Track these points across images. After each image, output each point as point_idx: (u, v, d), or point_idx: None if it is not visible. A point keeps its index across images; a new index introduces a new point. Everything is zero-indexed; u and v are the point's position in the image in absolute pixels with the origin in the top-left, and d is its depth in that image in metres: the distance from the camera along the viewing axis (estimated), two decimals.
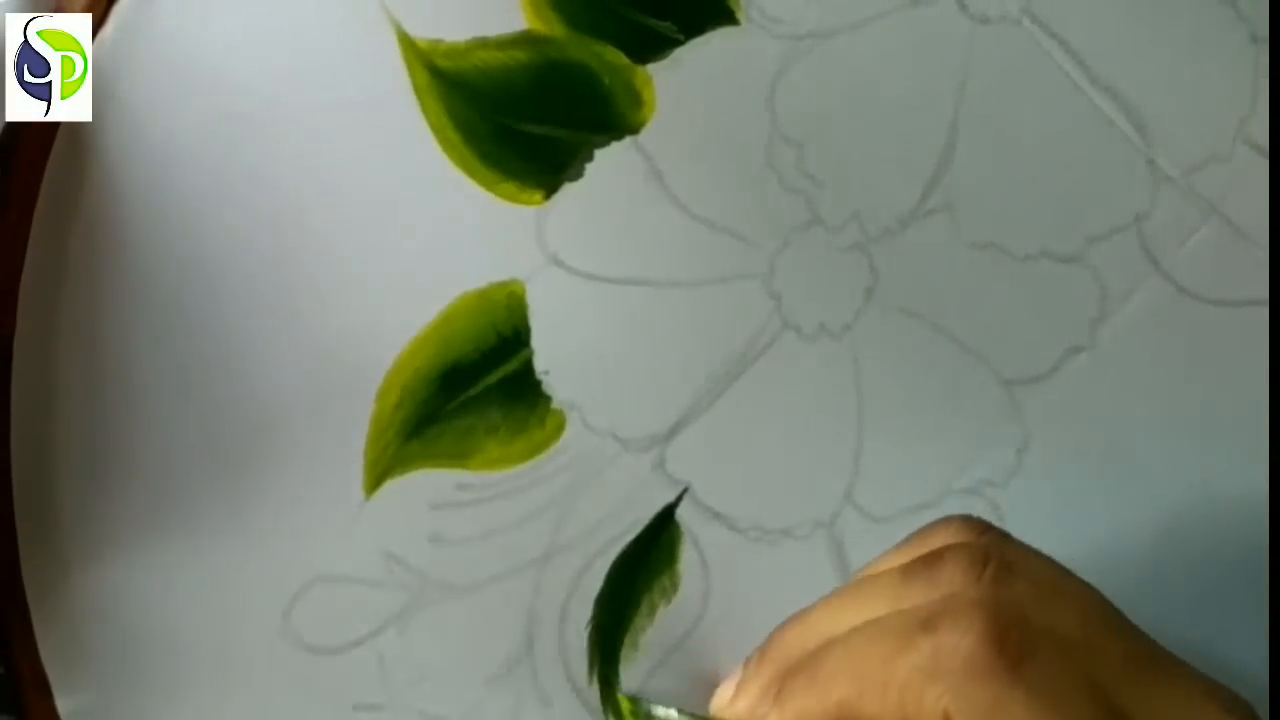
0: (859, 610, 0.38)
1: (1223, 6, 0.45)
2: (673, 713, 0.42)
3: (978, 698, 0.34)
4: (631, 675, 0.44)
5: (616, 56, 0.42)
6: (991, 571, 0.36)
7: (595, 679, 0.44)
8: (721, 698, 0.41)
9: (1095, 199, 0.45)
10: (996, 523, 0.44)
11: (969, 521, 0.39)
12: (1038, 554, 0.38)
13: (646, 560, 0.44)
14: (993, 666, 0.34)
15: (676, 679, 0.44)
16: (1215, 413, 0.46)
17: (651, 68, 0.43)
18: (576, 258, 0.43)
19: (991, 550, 0.37)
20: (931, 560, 0.37)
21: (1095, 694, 0.34)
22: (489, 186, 0.42)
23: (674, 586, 0.44)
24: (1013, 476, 0.45)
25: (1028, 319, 0.45)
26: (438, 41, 0.42)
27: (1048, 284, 0.45)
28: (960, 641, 0.34)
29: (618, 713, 0.43)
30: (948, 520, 0.40)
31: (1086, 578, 0.37)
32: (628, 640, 0.44)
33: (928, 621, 0.35)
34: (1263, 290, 0.45)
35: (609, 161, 0.43)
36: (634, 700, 0.43)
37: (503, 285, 0.43)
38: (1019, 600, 0.36)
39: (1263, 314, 0.45)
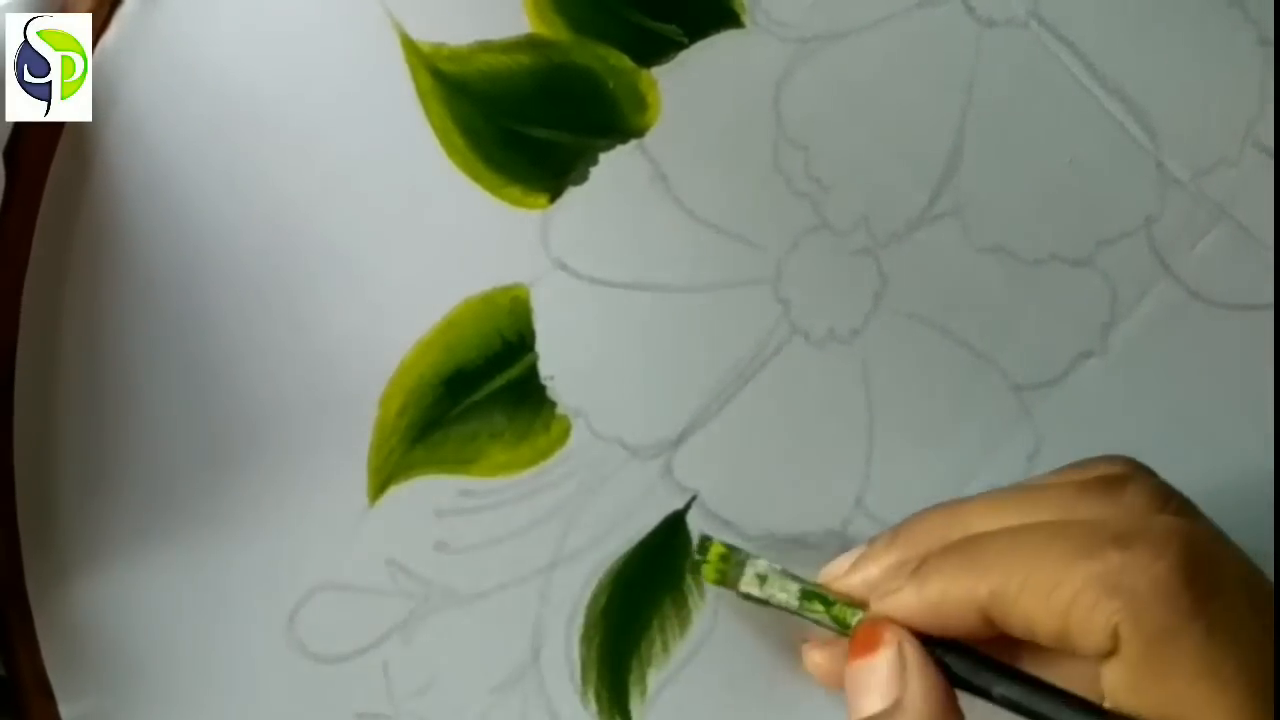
0: (1023, 512, 0.38)
1: (1231, 9, 0.45)
2: (773, 566, 0.41)
3: (1155, 622, 0.34)
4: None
5: (621, 60, 0.42)
6: (1177, 505, 0.37)
7: (604, 691, 0.43)
8: (835, 568, 0.41)
9: (1104, 202, 0.45)
10: None
11: (1133, 462, 0.39)
12: None
13: (655, 569, 0.43)
14: (1180, 595, 0.34)
15: (689, 691, 0.43)
16: (1226, 417, 0.45)
17: (656, 71, 0.43)
18: (581, 262, 0.43)
19: (1171, 489, 0.37)
20: (1113, 482, 0.37)
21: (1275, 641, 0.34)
22: (493, 191, 0.42)
23: (683, 596, 0.44)
24: None
25: (1038, 323, 0.45)
26: (441, 45, 0.41)
27: (1057, 288, 0.45)
28: (1153, 564, 0.34)
29: (704, 556, 0.41)
30: (1111, 457, 0.39)
31: None
32: (636, 652, 0.43)
33: (1121, 537, 0.35)
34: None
35: (614, 165, 0.43)
36: (730, 549, 0.41)
37: (507, 290, 0.42)
38: (1211, 537, 0.36)
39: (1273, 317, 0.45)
